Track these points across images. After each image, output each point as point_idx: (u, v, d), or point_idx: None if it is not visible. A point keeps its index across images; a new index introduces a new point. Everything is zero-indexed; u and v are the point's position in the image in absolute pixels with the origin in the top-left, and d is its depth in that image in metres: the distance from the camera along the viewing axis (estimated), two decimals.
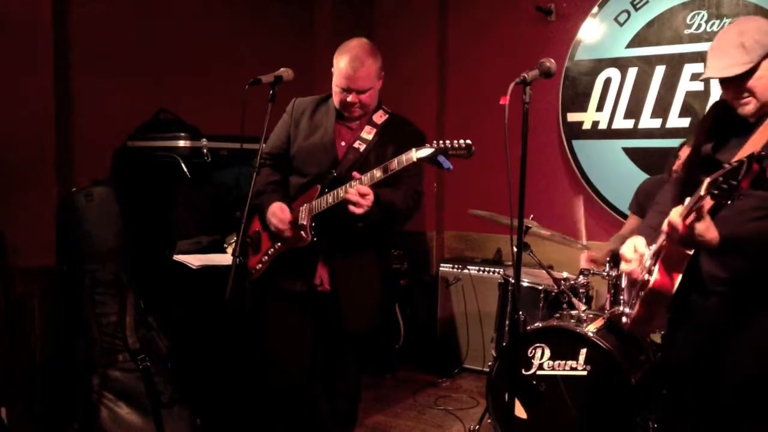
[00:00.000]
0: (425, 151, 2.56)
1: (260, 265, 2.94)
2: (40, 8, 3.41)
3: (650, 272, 2.18)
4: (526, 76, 2.23)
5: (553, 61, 2.29)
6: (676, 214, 1.98)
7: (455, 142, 2.55)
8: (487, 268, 4.81)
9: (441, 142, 2.57)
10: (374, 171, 2.64)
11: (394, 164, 2.61)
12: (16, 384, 3.26)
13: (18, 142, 3.33)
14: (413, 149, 2.58)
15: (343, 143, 2.87)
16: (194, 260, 3.51)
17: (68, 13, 3.60)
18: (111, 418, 3.16)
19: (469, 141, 2.55)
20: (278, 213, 2.82)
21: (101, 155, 3.77)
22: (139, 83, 3.89)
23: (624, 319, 2.38)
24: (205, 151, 3.65)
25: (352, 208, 2.62)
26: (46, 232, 3.37)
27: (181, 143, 3.64)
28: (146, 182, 3.67)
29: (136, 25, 3.94)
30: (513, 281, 3.70)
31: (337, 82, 2.80)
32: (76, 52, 3.65)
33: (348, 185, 2.65)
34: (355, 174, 2.67)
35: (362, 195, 2.61)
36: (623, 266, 2.26)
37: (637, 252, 2.24)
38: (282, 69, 2.74)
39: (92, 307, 3.25)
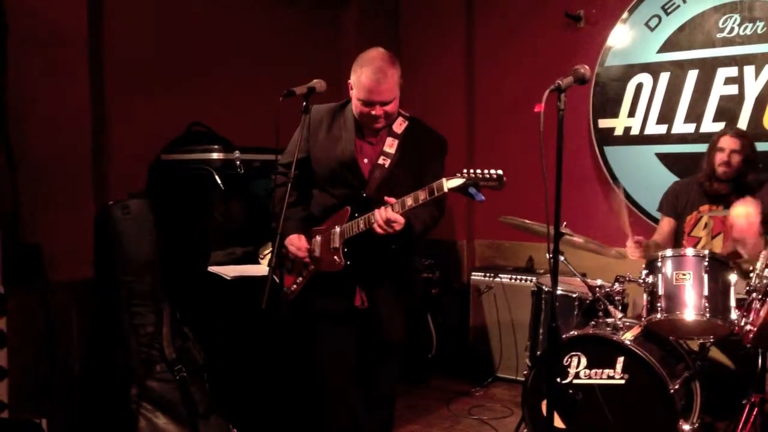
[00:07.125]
0: (456, 182, 2.49)
1: (295, 286, 2.93)
2: (75, 23, 3.45)
3: None
4: (560, 83, 2.22)
5: (587, 67, 2.28)
6: None
7: (486, 172, 2.46)
8: (519, 276, 4.78)
9: (472, 171, 2.47)
10: (405, 199, 2.59)
11: (425, 194, 2.56)
12: (55, 395, 3.30)
13: (55, 156, 3.37)
14: (444, 179, 2.51)
15: (365, 160, 2.80)
16: (228, 271, 3.54)
17: (103, 27, 3.67)
18: (149, 429, 3.19)
19: (500, 171, 2.47)
20: (295, 242, 2.82)
21: (136, 168, 3.83)
22: (171, 96, 3.95)
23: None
24: (238, 162, 3.68)
25: (377, 229, 2.62)
26: (84, 245, 3.42)
27: (215, 155, 3.68)
28: (180, 195, 3.71)
29: (167, 40, 4.00)
30: (546, 288, 3.73)
31: (359, 95, 2.70)
32: (110, 66, 3.72)
33: (378, 210, 2.63)
34: (388, 199, 2.64)
35: (390, 221, 2.60)
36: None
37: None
38: (315, 80, 2.73)
39: (129, 318, 3.29)
